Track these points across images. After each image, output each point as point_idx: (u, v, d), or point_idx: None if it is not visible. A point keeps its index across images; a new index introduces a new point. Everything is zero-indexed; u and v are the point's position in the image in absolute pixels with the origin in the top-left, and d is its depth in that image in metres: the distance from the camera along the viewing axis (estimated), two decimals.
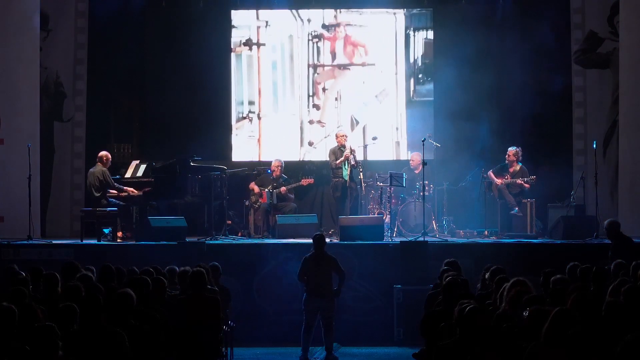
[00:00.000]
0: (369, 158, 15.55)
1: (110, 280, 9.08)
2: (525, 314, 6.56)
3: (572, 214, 14.39)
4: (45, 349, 5.82)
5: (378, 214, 14.53)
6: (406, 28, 16.70)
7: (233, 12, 16.81)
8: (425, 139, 14.43)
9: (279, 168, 15.22)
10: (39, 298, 8.27)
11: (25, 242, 13.53)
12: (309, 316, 11.38)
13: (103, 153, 14.42)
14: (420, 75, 16.70)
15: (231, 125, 16.80)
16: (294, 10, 16.90)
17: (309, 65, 16.84)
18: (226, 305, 10.01)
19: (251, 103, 16.86)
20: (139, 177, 14.83)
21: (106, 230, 14.00)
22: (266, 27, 16.90)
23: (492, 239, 14.12)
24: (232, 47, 16.82)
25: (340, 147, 14.93)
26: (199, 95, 16.56)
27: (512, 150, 14.76)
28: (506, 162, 14.79)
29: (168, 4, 16.31)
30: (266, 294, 12.89)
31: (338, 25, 16.81)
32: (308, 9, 16.81)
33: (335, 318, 11.53)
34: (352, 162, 14.65)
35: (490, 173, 14.76)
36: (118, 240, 13.88)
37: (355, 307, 12.90)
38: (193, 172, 14.32)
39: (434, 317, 7.73)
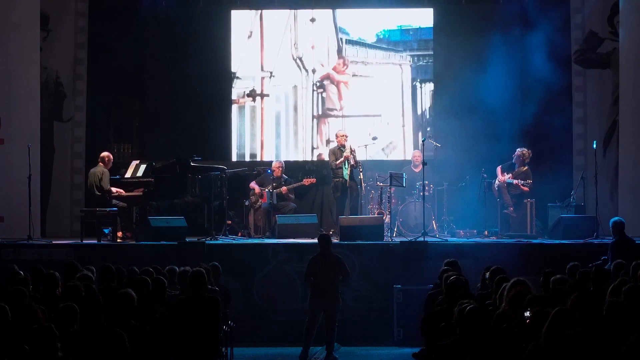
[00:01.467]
0: (369, 158, 15.55)
1: (110, 280, 9.08)
2: (526, 314, 6.57)
3: (572, 214, 14.38)
4: (45, 350, 5.81)
5: (378, 214, 14.52)
6: (412, 79, 16.68)
7: (233, 12, 16.80)
8: (425, 139, 14.43)
9: (280, 169, 15.23)
10: (39, 298, 8.27)
11: (25, 242, 13.53)
12: (313, 315, 11.39)
13: (105, 154, 14.42)
14: (428, 129, 16.55)
15: (231, 125, 16.79)
16: (298, 60, 16.83)
17: (313, 117, 16.79)
18: (226, 305, 10.01)
19: (253, 156, 16.89)
20: (139, 177, 14.82)
21: (106, 230, 14.00)
22: (270, 77, 16.86)
23: (492, 239, 14.12)
24: (235, 98, 16.82)
25: (340, 147, 14.92)
26: (199, 95, 16.56)
27: (525, 151, 14.68)
28: (517, 160, 14.68)
29: (168, 4, 16.30)
30: (266, 294, 12.89)
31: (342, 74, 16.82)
32: (308, 9, 16.80)
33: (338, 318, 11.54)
34: (352, 162, 14.64)
35: (499, 168, 14.73)
36: (118, 240, 13.88)
37: (355, 307, 12.90)
38: (193, 172, 14.32)
39: (434, 317, 7.74)
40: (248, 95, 16.88)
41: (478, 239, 14.24)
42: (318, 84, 16.87)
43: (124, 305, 7.13)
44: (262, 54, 16.95)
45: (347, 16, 16.97)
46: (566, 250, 12.75)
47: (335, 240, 13.65)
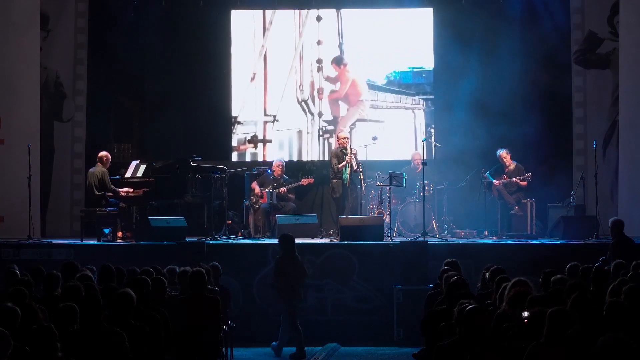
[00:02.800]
0: (369, 158, 15.54)
1: (110, 280, 9.08)
2: (524, 314, 6.57)
3: (572, 214, 14.38)
4: (44, 350, 5.81)
5: (378, 214, 14.52)
6: (426, 125, 16.53)
7: (233, 12, 16.81)
8: (425, 139, 14.42)
9: (280, 168, 15.23)
10: (39, 298, 8.27)
11: (25, 242, 13.52)
12: (287, 313, 11.49)
13: (103, 153, 14.41)
14: (429, 128, 16.44)
15: (231, 125, 16.79)
16: (303, 104, 16.73)
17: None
18: (226, 305, 10.01)
19: (253, 155, 16.83)
20: (139, 177, 14.82)
21: (106, 230, 14.00)
22: (274, 122, 16.74)
23: (492, 239, 14.12)
24: (235, 144, 16.65)
25: (342, 150, 14.91)
26: (199, 95, 16.56)
27: (502, 152, 14.80)
28: (502, 163, 14.80)
29: (168, 4, 16.31)
30: (266, 294, 12.88)
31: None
32: (308, 8, 16.80)
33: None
34: (355, 168, 14.59)
35: (486, 175, 14.76)
36: (118, 240, 13.88)
37: (355, 307, 12.90)
38: (193, 172, 14.32)
39: (434, 317, 7.73)
40: (249, 142, 16.73)
41: (478, 239, 14.24)
42: (324, 128, 16.64)
43: (124, 305, 7.13)
44: (265, 97, 16.80)
45: (355, 55, 16.69)
46: (566, 250, 12.75)
47: (335, 240, 13.69)
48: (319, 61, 16.84)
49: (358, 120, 16.53)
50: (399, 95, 16.73)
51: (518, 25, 16.05)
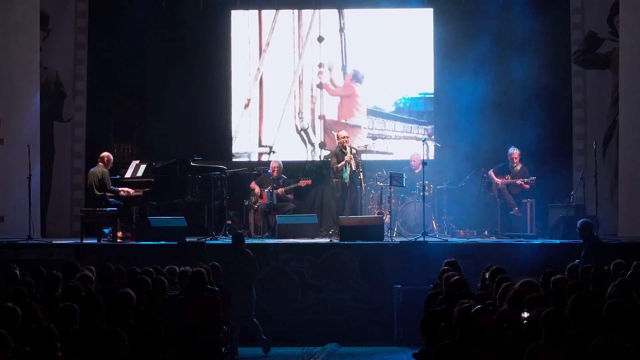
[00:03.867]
0: (369, 158, 15.55)
1: (110, 280, 9.08)
2: (524, 315, 6.57)
3: (572, 214, 14.38)
4: (44, 350, 5.81)
5: (378, 214, 14.52)
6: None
7: (233, 12, 16.81)
8: (425, 139, 14.42)
9: (277, 169, 15.21)
10: (39, 298, 8.27)
11: (25, 242, 13.53)
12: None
13: (105, 154, 14.41)
14: (429, 127, 16.32)
15: (231, 125, 16.79)
16: (303, 133, 16.52)
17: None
18: (226, 305, 10.01)
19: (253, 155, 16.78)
20: (139, 177, 14.82)
21: (106, 230, 14.00)
22: (270, 154, 16.49)
23: (492, 239, 14.12)
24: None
25: (342, 149, 14.91)
26: (199, 95, 16.56)
27: (515, 151, 14.76)
28: (510, 162, 14.78)
29: (168, 4, 16.31)
30: (266, 294, 12.88)
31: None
32: (308, 9, 16.80)
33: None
34: (354, 168, 14.59)
35: (491, 172, 14.77)
36: (118, 240, 13.88)
37: (355, 307, 12.91)
38: (193, 172, 14.32)
39: (434, 317, 7.73)
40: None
41: (478, 239, 14.24)
42: (324, 157, 16.41)
43: (124, 305, 7.13)
44: (260, 126, 16.63)
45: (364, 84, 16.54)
46: (566, 250, 12.74)
47: (335, 240, 13.68)
48: (320, 86, 16.68)
49: (363, 150, 15.70)
50: (409, 125, 16.39)
51: (518, 26, 16.04)
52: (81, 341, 6.54)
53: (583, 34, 15.80)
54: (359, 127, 16.49)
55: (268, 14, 16.74)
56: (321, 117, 16.61)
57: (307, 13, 16.72)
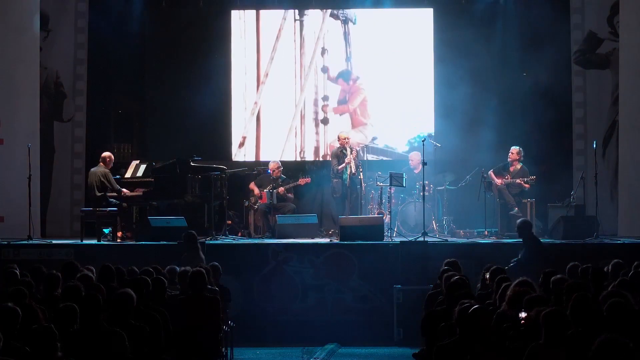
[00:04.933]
0: (369, 158, 15.55)
1: (110, 280, 9.08)
2: (521, 315, 6.57)
3: (572, 214, 14.38)
4: (44, 350, 5.81)
5: (378, 214, 14.52)
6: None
7: (233, 12, 16.82)
8: (425, 139, 14.42)
9: (278, 170, 15.21)
10: (39, 298, 8.27)
11: (25, 242, 13.53)
12: None
13: (106, 154, 14.42)
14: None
15: (231, 125, 16.79)
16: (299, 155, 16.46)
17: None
18: (226, 305, 10.01)
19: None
20: (139, 177, 14.83)
21: (106, 230, 14.00)
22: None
23: (492, 239, 14.11)
24: None
25: (342, 150, 14.91)
26: (199, 95, 16.54)
27: (515, 149, 14.77)
28: (508, 160, 14.80)
29: (168, 4, 16.31)
30: (266, 294, 12.89)
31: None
32: (308, 9, 16.80)
33: None
34: (354, 171, 14.59)
35: (491, 173, 14.77)
36: (118, 240, 13.88)
37: (355, 307, 12.90)
38: (193, 172, 14.32)
39: (434, 317, 7.73)
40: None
41: (478, 239, 14.23)
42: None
43: (124, 305, 7.13)
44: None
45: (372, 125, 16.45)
46: (566, 250, 12.74)
47: (335, 240, 13.68)
48: (325, 121, 16.57)
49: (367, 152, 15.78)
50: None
51: (518, 26, 16.04)
52: (81, 341, 6.54)
53: (583, 34, 15.80)
54: (366, 125, 16.48)
55: (268, 34, 16.62)
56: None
57: (310, 43, 16.59)
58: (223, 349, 9.53)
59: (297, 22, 16.82)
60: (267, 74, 16.65)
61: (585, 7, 15.77)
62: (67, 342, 6.32)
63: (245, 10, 16.77)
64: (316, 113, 16.65)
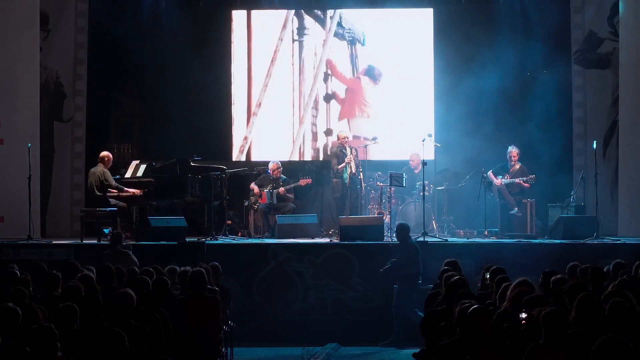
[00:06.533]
0: (369, 158, 15.54)
1: (110, 280, 9.08)
2: (522, 315, 6.57)
3: (572, 214, 14.38)
4: (44, 350, 5.81)
5: (378, 214, 14.52)
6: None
7: (233, 12, 16.81)
8: (425, 139, 14.42)
9: (278, 170, 15.20)
10: (39, 298, 8.27)
11: (25, 242, 13.52)
12: None
13: (104, 153, 14.42)
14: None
15: (231, 125, 16.78)
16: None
17: None
18: (226, 305, 10.01)
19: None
20: (139, 177, 14.82)
21: (106, 230, 13.99)
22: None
23: (492, 239, 14.11)
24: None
25: (342, 149, 14.89)
26: (199, 95, 16.55)
27: (514, 149, 14.77)
28: (508, 160, 14.80)
29: (168, 4, 16.30)
30: (266, 294, 12.89)
31: None
32: (308, 9, 16.79)
33: None
34: (354, 171, 14.59)
35: (490, 173, 14.77)
36: None
37: (355, 307, 12.90)
38: (193, 172, 14.32)
39: (434, 317, 7.73)
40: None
41: (478, 239, 14.23)
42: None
43: (124, 305, 7.13)
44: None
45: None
46: (566, 250, 12.74)
47: (335, 240, 13.68)
48: (328, 132, 16.44)
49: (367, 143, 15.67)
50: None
51: (518, 25, 16.04)
52: (81, 341, 6.54)
53: (583, 34, 15.80)
54: (359, 137, 16.30)
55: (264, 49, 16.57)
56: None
57: (309, 66, 16.50)
58: (223, 349, 9.53)
59: (296, 43, 16.74)
60: (259, 104, 16.52)
61: (586, 7, 15.77)
62: (67, 342, 6.32)
63: (245, 11, 16.76)
64: (316, 126, 16.59)
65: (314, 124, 16.72)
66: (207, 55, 16.62)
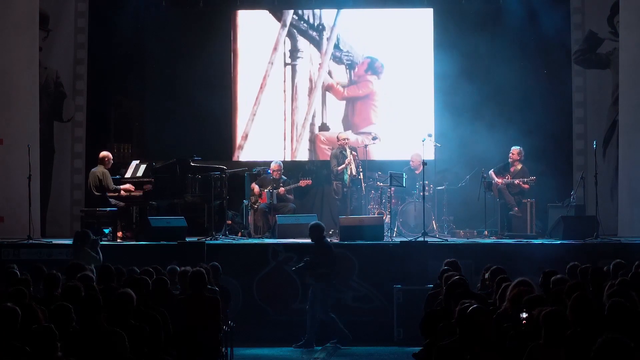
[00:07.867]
0: (369, 158, 15.54)
1: (110, 280, 9.08)
2: (523, 315, 6.57)
3: (572, 214, 14.38)
4: (44, 350, 5.81)
5: (378, 214, 14.52)
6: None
7: (233, 12, 16.81)
8: (425, 139, 14.42)
9: (278, 170, 15.20)
10: (39, 298, 8.27)
11: (25, 242, 13.51)
12: None
13: (104, 154, 14.41)
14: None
15: (231, 125, 16.78)
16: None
17: None
18: (226, 305, 10.01)
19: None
20: (139, 177, 14.82)
21: (106, 230, 13.99)
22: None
23: (492, 239, 14.11)
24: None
25: (342, 151, 14.89)
26: (199, 95, 16.54)
27: (516, 149, 14.76)
28: (509, 160, 14.80)
29: (168, 4, 16.31)
30: (266, 294, 12.88)
31: None
32: (308, 9, 16.79)
33: None
34: (354, 173, 14.59)
35: (492, 172, 14.77)
36: (118, 240, 13.87)
37: (355, 307, 12.90)
38: (193, 172, 14.32)
39: (434, 317, 7.73)
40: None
41: (478, 239, 14.23)
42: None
43: (124, 305, 7.13)
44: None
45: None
46: (566, 250, 12.74)
47: (335, 240, 13.68)
48: (328, 89, 16.49)
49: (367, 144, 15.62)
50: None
51: (518, 25, 16.04)
52: (81, 341, 6.54)
53: (583, 34, 15.80)
54: (361, 134, 16.25)
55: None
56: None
57: (303, 93, 16.44)
58: (223, 349, 9.53)
59: (288, 67, 16.67)
60: (246, 136, 16.42)
61: (586, 7, 15.77)
62: (67, 342, 6.32)
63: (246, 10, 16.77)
64: (313, 128, 16.56)
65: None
66: (207, 54, 16.61)
